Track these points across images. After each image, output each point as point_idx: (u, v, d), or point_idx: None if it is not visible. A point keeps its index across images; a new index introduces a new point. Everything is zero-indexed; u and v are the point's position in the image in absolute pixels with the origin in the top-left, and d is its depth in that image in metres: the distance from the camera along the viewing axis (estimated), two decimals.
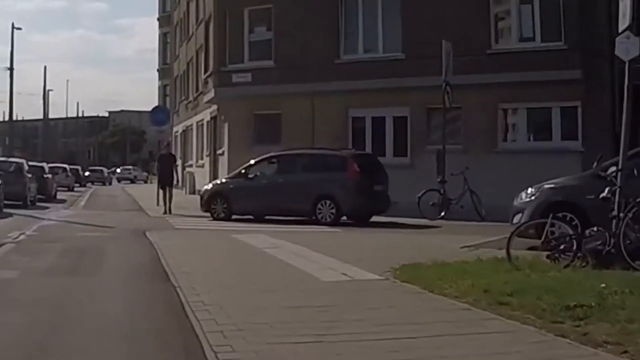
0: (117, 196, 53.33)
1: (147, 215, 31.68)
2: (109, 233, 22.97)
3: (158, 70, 78.58)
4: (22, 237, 21.28)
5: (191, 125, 55.61)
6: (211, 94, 40.55)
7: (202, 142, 51.09)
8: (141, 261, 16.20)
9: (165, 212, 31.36)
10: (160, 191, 33.27)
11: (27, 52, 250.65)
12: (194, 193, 48.82)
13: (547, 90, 32.61)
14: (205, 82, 43.59)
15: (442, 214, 29.47)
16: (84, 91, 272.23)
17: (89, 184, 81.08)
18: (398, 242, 20.19)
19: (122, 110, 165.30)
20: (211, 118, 45.65)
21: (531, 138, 34.69)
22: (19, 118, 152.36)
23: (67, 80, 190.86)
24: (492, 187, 29.40)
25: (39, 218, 28.95)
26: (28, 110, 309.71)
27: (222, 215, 28.81)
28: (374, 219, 28.31)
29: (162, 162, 33.76)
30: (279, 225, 26.14)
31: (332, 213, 27.02)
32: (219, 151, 42.34)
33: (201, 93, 49.33)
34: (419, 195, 29.44)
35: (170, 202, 32.27)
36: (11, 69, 70.78)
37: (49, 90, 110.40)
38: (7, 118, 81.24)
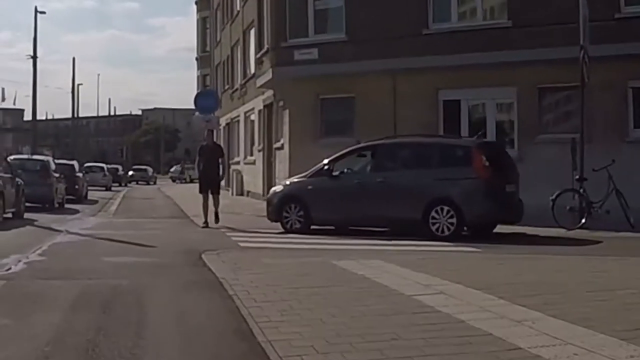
0: (153, 198, 45.75)
1: (194, 225, 24.14)
2: (149, 258, 15.78)
3: (197, 58, 71.12)
4: (19, 265, 14.18)
5: (237, 117, 48.02)
6: (267, 76, 32.94)
7: (252, 135, 43.53)
8: (214, 334, 8.74)
9: (205, 223, 23.96)
10: (202, 196, 24.71)
11: (59, 53, 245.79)
12: (242, 194, 41.97)
13: None
14: (259, 63, 35.95)
15: (582, 221, 22.18)
16: (116, 91, 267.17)
17: (132, 184, 78.98)
18: (591, 276, 12.98)
19: (155, 108, 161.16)
20: (264, 106, 38.20)
21: None
22: (50, 117, 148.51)
23: (98, 75, 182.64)
24: (626, 186, 22.80)
25: (57, 230, 21.51)
26: (60, 109, 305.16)
27: (298, 225, 21.65)
28: (497, 229, 21.47)
29: (204, 157, 24.97)
30: (378, 241, 19.48)
31: (450, 223, 19.66)
32: (277, 144, 34.77)
33: (251, 78, 41.91)
34: (553, 197, 22.05)
35: (216, 211, 24.63)
36: (34, 57, 63.33)
37: (78, 85, 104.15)
38: (42, 116, 75.50)
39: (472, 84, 28.53)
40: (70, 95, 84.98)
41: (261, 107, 39.27)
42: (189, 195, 42.40)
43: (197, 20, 70.43)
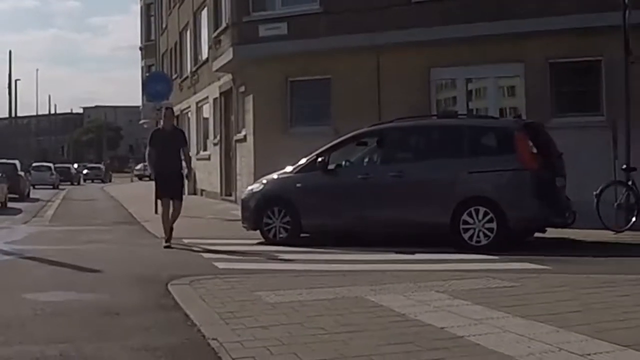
0: (96, 200, 39.97)
1: (147, 234, 18.94)
2: (92, 294, 10.55)
3: (141, 48, 65.27)
4: None
5: (188, 108, 42.56)
6: (226, 57, 27.73)
7: (205, 128, 38.14)
8: None
9: (167, 243, 16.37)
10: (160, 204, 17.19)
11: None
12: (194, 193, 36.37)
13: None
14: (216, 43, 30.59)
15: (633, 220, 17.77)
16: (57, 90, 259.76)
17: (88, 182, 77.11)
18: None
19: (97, 106, 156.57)
20: (221, 94, 32.99)
21: None
22: None
23: (37, 70, 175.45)
24: None
25: None
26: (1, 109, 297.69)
27: (283, 234, 16.69)
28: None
29: (158, 146, 16.85)
30: (396, 255, 14.78)
31: (488, 229, 14.79)
32: (238, 136, 29.56)
33: (203, 64, 36.63)
34: (597, 191, 16.97)
35: (171, 226, 16.71)
36: None
37: (16, 80, 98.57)
38: None
39: (469, 60, 23.62)
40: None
41: (217, 95, 34.03)
42: (136, 195, 36.92)
43: (141, 8, 64.63)
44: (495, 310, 8.43)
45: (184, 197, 16.92)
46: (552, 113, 22.18)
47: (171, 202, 16.54)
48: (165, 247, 16.03)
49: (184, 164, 16.89)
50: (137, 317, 8.75)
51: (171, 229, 16.52)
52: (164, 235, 16.52)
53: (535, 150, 15.22)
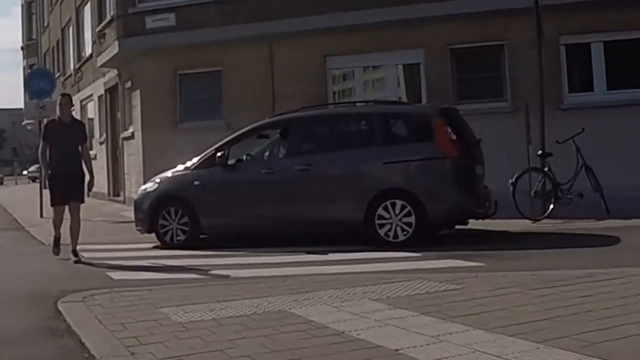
0: None
1: (35, 241, 17.00)
2: None
3: (22, 47, 62.25)
4: None
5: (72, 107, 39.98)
6: (111, 51, 25.77)
7: (90, 126, 35.79)
8: None
9: (57, 252, 13.84)
10: (54, 211, 13.83)
11: None
12: None
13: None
14: (101, 37, 28.55)
15: (551, 208, 16.53)
16: None
17: None
18: None
19: None
20: (106, 90, 31.00)
21: (613, 86, 20.39)
22: None
23: None
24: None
25: None
26: None
27: (181, 237, 14.89)
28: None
29: (53, 140, 13.72)
30: (307, 256, 13.16)
31: (406, 224, 13.00)
32: (125, 133, 27.58)
33: (87, 61, 34.46)
34: (513, 179, 15.63)
35: (74, 245, 13.57)
36: None
37: None
38: None
39: (367, 47, 22.08)
40: None
41: (102, 92, 31.96)
42: (20, 198, 34.60)
43: (22, 6, 61.66)
44: (450, 322, 6.96)
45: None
46: (454, 100, 20.72)
47: (67, 207, 13.51)
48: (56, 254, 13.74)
49: (83, 162, 13.82)
50: (21, 348, 7.03)
51: (74, 251, 13.36)
52: (54, 246, 13.83)
53: (454, 137, 13.74)
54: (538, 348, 5.97)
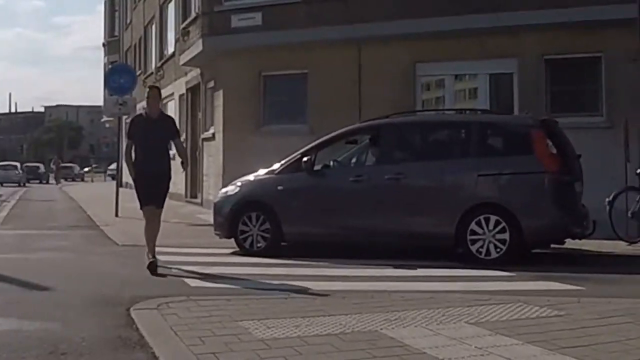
0: (55, 200, 37.27)
1: (107, 240, 16.64)
2: (36, 322, 8.29)
3: (104, 44, 62.53)
4: None
5: None
6: (195, 49, 25.45)
7: None
8: None
9: (152, 262, 12.15)
10: (144, 214, 12.68)
11: None
12: None
13: None
14: (184, 35, 28.22)
15: None
16: (19, 90, 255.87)
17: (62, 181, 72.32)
18: None
19: (58, 105, 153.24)
20: (187, 89, 30.71)
21: None
22: None
23: None
24: None
25: None
26: None
27: (261, 244, 14.40)
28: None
29: (140, 138, 12.57)
30: (394, 270, 12.51)
31: (500, 241, 12.50)
32: (205, 134, 27.29)
33: (169, 59, 34.27)
34: (610, 198, 14.93)
35: (152, 246, 12.52)
36: None
37: None
38: None
39: (459, 54, 21.45)
40: None
41: (183, 91, 31.73)
42: (95, 197, 34.53)
43: (105, 2, 62.02)
44: (559, 355, 6.38)
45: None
46: (547, 113, 19.98)
47: (155, 210, 12.49)
48: (152, 272, 11.89)
49: (172, 162, 12.75)
50: None
51: (152, 252, 12.38)
52: (148, 257, 12.24)
53: (554, 151, 13.11)
54: None
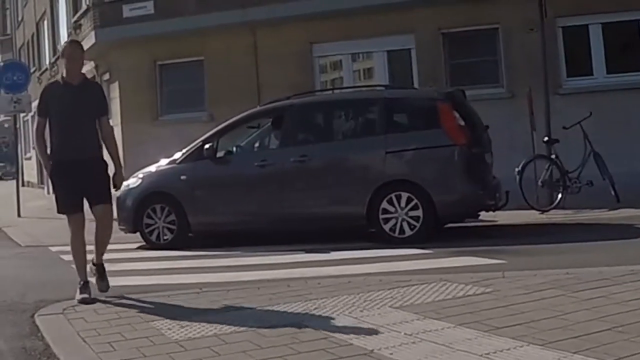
0: None
1: (11, 242, 15.79)
2: None
3: None
4: None
5: None
6: (88, 42, 24.42)
7: None
8: None
9: (84, 288, 8.67)
10: (68, 220, 8.82)
11: None
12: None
13: None
14: (77, 28, 27.24)
15: (560, 198, 15.45)
16: None
17: None
18: None
19: None
20: None
21: (613, 70, 19.35)
22: None
23: None
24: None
25: None
26: None
27: (168, 236, 13.57)
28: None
29: (56, 112, 8.68)
30: (307, 254, 11.92)
31: (413, 218, 11.95)
32: None
33: None
34: (519, 168, 14.53)
35: (99, 255, 8.98)
36: None
37: None
38: None
39: (355, 34, 20.91)
40: None
41: None
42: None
43: None
44: (496, 337, 5.84)
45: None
46: (447, 88, 19.60)
47: (94, 210, 8.74)
48: (81, 298, 8.53)
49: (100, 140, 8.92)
50: None
51: (98, 264, 9.01)
52: (79, 279, 8.82)
53: (462, 123, 12.63)
54: None
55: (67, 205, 8.69)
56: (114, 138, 9.08)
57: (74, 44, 9.35)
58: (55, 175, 8.80)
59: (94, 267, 8.97)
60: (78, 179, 8.63)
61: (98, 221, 8.72)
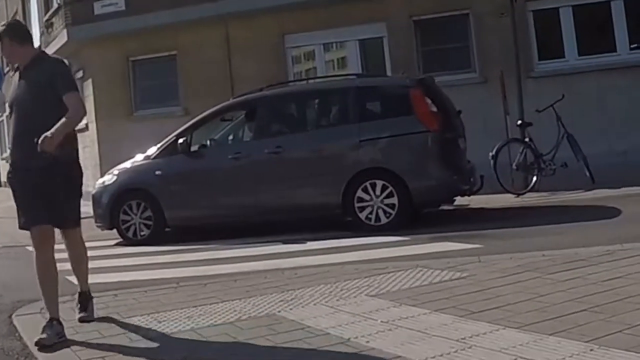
0: None
1: None
2: None
3: None
4: None
5: None
6: (60, 40, 24.34)
7: None
8: None
9: (53, 323, 6.49)
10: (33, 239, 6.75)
11: None
12: None
13: None
14: (48, 27, 27.04)
15: (534, 180, 15.46)
16: None
17: None
18: None
19: None
20: None
21: (584, 52, 19.28)
22: None
23: None
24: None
25: None
26: None
27: (145, 232, 13.49)
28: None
29: (10, 102, 6.84)
30: (284, 245, 11.87)
31: (389, 205, 12.24)
32: (79, 125, 25.80)
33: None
34: (493, 152, 14.52)
35: (83, 292, 7.43)
36: None
37: None
38: None
39: (326, 24, 20.87)
40: None
41: None
42: None
43: None
44: (472, 321, 5.82)
45: None
46: (420, 74, 19.56)
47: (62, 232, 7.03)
48: (42, 340, 6.37)
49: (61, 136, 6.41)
50: None
51: (86, 295, 7.45)
52: (45, 311, 6.83)
53: (434, 109, 12.59)
54: (592, 350, 4.85)
55: (31, 218, 6.63)
56: (78, 113, 6.58)
57: (16, 25, 7.34)
58: (11, 183, 6.89)
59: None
60: (34, 188, 6.61)
61: (71, 243, 7.20)
